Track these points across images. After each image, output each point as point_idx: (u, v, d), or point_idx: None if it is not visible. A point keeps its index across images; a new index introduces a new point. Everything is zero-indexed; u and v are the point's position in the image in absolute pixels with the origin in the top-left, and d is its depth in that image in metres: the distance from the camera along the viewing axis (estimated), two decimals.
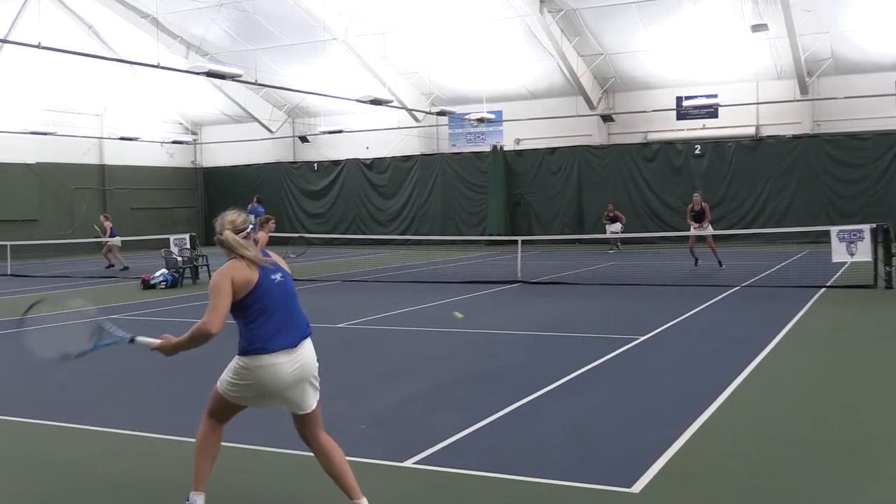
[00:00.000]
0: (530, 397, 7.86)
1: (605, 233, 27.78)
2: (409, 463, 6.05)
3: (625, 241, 28.55)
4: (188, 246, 20.87)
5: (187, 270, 20.45)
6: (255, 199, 24.05)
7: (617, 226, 27.72)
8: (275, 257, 5.23)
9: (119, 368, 10.13)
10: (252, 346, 4.90)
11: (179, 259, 20.35)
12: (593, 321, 12.99)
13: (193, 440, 5.54)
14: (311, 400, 5.20)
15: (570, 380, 8.61)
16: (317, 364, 5.24)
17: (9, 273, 24.52)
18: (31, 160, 33.15)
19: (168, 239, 21.27)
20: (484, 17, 28.44)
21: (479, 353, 10.59)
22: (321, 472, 5.16)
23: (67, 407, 8.14)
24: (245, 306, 4.88)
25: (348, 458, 6.15)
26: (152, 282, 19.46)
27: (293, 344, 5.01)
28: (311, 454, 5.24)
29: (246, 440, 6.52)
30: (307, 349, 5.17)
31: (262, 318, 4.90)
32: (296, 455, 6.09)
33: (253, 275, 4.88)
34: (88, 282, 22.06)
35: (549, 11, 27.62)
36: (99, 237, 27.24)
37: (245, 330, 4.93)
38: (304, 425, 5.23)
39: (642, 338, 10.95)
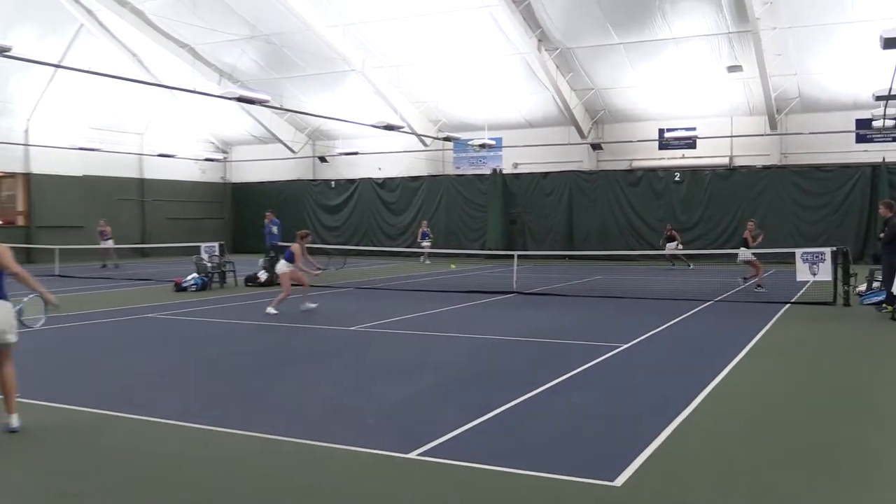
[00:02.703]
0: (524, 397, 7.86)
1: (663, 250, 26.80)
2: (413, 454, 6.05)
3: (612, 258, 28.53)
4: (217, 253, 20.86)
5: (216, 275, 20.47)
6: (271, 214, 23.87)
7: (674, 244, 27.21)
8: None
9: (151, 360, 10.17)
10: None
11: (209, 265, 20.38)
12: (581, 329, 12.97)
13: (225, 430, 5.53)
14: None
15: (559, 382, 8.62)
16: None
17: (56, 273, 24.57)
18: (79, 173, 33.22)
19: (199, 246, 21.28)
20: (487, 54, 28.53)
21: (478, 356, 10.58)
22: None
23: (115, 397, 8.14)
24: None
25: (358, 449, 6.21)
26: (184, 285, 19.49)
27: None
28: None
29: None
30: None
31: None
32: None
33: None
34: (127, 283, 22.08)
35: (545, 49, 27.73)
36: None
37: None
38: None
39: (625, 345, 10.94)
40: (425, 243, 30.67)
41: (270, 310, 14.67)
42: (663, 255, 26.64)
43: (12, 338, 7.00)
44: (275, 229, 22.82)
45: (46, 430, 6.97)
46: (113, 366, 9.99)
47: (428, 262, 30.47)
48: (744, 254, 19.21)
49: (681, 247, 27.00)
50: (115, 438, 6.72)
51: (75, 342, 11.96)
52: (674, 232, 27.59)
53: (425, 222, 32.24)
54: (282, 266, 15.32)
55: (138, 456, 6.22)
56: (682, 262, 27.31)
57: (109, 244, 28.89)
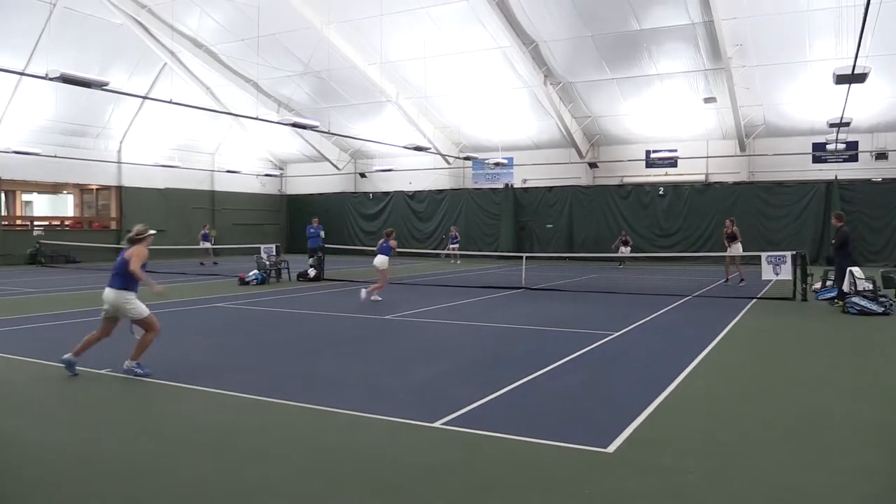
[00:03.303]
0: (530, 376, 7.83)
1: (616, 252, 27.05)
2: (437, 424, 6.05)
3: (605, 259, 28.37)
4: (274, 253, 20.95)
5: (273, 272, 20.56)
6: (317, 220, 23.64)
7: (628, 248, 27.16)
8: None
9: (219, 342, 10.23)
10: None
11: (267, 263, 20.46)
12: (579, 319, 12.89)
13: (278, 401, 5.55)
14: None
15: (561, 364, 8.58)
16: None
17: None
18: (161, 186, 33.56)
19: (259, 248, 21.36)
20: (501, 87, 28.50)
21: (492, 341, 10.55)
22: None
23: (187, 371, 8.19)
24: None
25: (391, 419, 6.20)
26: (247, 279, 19.57)
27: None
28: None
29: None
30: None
31: None
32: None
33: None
34: (200, 277, 22.24)
35: (550, 83, 27.65)
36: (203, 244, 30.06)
37: None
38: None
39: (616, 333, 10.87)
40: (453, 245, 30.54)
41: (376, 297, 15.16)
42: (617, 258, 26.62)
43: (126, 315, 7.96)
44: (322, 233, 22.87)
45: (129, 399, 7.04)
46: (185, 346, 10.06)
47: (454, 262, 30.39)
48: (736, 249, 19.28)
49: (629, 250, 27.00)
50: (187, 407, 6.76)
51: None
52: (628, 237, 27.68)
53: (454, 227, 32.09)
54: (384, 261, 15.44)
55: (205, 421, 6.26)
56: (621, 263, 27.29)
57: (207, 245, 29.43)
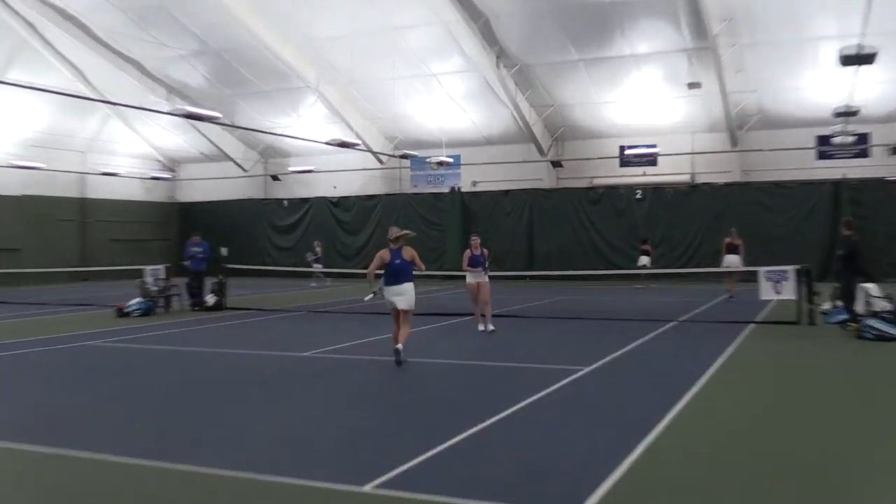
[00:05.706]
0: (483, 424, 7.73)
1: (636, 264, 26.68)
2: (367, 487, 5.89)
3: (573, 278, 28.41)
4: (163, 276, 20.44)
5: (161, 299, 20.04)
6: (196, 237, 22.12)
7: (647, 259, 26.43)
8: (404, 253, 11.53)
9: (89, 391, 9.87)
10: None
11: (154, 289, 19.94)
12: (542, 352, 12.87)
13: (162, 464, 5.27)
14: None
15: (520, 408, 8.50)
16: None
17: None
18: (16, 192, 32.57)
19: (143, 269, 20.76)
20: (445, 69, 28.63)
21: (435, 381, 10.44)
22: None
23: (46, 431, 7.83)
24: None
25: (309, 483, 6.03)
26: (126, 310, 19.02)
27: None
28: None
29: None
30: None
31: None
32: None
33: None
34: (64, 309, 21.55)
35: (504, 66, 27.90)
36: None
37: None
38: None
39: (587, 368, 10.86)
40: (317, 265, 30.49)
41: (489, 326, 15.26)
42: (631, 275, 26.66)
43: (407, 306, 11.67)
44: (199, 253, 21.46)
45: None
46: (45, 397, 9.65)
47: (327, 284, 30.17)
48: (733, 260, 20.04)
49: (647, 261, 26.42)
50: (42, 474, 6.45)
51: (4, 373, 11.57)
52: (647, 246, 27.05)
53: (317, 242, 32.12)
54: (473, 275, 15.71)
55: (65, 493, 5.97)
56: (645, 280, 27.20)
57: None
